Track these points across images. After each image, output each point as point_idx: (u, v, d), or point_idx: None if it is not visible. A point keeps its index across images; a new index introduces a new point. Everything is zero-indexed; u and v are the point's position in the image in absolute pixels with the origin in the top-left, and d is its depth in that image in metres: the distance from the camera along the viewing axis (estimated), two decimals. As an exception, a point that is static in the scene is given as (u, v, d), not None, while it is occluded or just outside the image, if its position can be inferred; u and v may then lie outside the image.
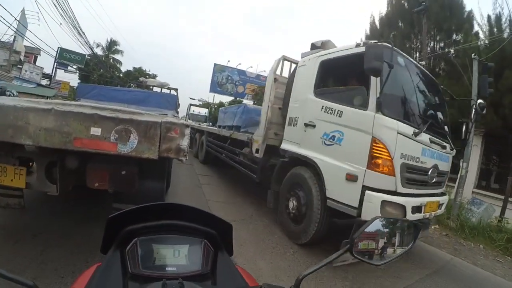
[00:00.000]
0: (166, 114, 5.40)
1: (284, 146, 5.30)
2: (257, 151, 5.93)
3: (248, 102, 35.97)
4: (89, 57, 33.41)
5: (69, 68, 30.23)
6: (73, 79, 34.36)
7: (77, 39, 20.69)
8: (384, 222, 0.93)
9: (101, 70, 36.51)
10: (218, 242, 1.05)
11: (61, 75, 29.73)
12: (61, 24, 31.61)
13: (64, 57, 28.23)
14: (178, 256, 0.97)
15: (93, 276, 0.94)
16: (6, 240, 3.43)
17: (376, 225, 0.90)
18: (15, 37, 22.03)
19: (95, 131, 2.64)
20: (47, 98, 13.57)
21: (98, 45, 39.42)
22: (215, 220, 1.08)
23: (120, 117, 2.70)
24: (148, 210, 1.04)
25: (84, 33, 21.22)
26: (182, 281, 0.71)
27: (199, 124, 17.49)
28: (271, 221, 5.68)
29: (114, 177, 3.01)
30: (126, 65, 43.57)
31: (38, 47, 23.33)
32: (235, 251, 1.18)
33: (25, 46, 25.34)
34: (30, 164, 3.15)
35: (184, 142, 2.78)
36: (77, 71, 33.67)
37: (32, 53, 27.63)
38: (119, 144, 2.66)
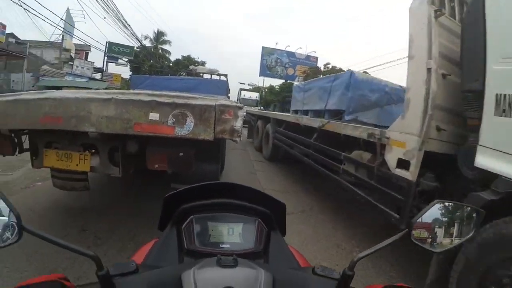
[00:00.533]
0: None
1: (491, 162, 2.39)
2: (401, 163, 3.24)
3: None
4: (138, 49, 35.02)
5: (120, 61, 31.99)
6: (125, 71, 36.37)
7: (123, 31, 21.54)
8: (444, 207, 0.88)
9: (151, 61, 37.98)
10: (271, 222, 1.06)
11: (112, 68, 31.68)
12: (104, 18, 33.23)
13: (113, 51, 29.82)
14: (232, 234, 1.00)
15: (151, 250, 1.02)
16: (75, 220, 3.86)
17: (435, 210, 0.85)
18: (63, 36, 23.58)
19: (154, 116, 2.83)
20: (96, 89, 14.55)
21: (146, 37, 41.15)
22: (269, 200, 1.10)
23: (176, 102, 2.86)
24: (203, 189, 1.08)
25: (129, 25, 22.02)
26: (236, 257, 0.72)
27: (259, 109, 17.36)
28: (334, 214, 5.14)
29: (172, 158, 3.23)
30: (175, 55, 45.05)
31: (88, 44, 24.94)
32: (296, 245, 1.18)
33: (74, 44, 26.96)
34: (93, 150, 3.46)
35: (238, 124, 2.88)
36: (128, 63, 35.56)
37: (83, 50, 29.27)
38: (176, 128, 2.83)
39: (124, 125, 2.87)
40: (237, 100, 32.24)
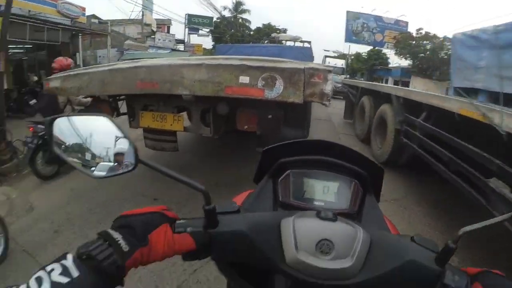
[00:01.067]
0: None
1: None
2: None
3: (388, 51, 33.47)
4: (218, 20, 35.84)
5: (201, 32, 33.31)
6: (207, 42, 37.65)
7: (201, 4, 21.86)
8: None
9: (232, 31, 38.60)
10: (367, 185, 1.03)
11: (194, 39, 33.02)
12: None
13: (193, 22, 31.31)
14: (327, 192, 0.99)
15: (246, 199, 1.03)
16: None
17: None
18: (142, 12, 25.07)
19: (244, 79, 2.95)
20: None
21: (225, 8, 41.93)
22: (367, 162, 1.06)
23: (265, 65, 2.94)
24: (301, 145, 1.08)
25: None
26: (335, 213, 0.72)
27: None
28: (430, 207, 4.46)
29: (261, 120, 3.41)
30: (255, 23, 45.11)
31: (168, 18, 26.06)
32: None
33: (155, 19, 28.52)
34: (186, 112, 3.80)
35: (328, 87, 2.86)
36: (209, 34, 36.78)
37: (164, 24, 30.67)
38: (266, 90, 2.92)
39: (216, 88, 3.05)
40: (322, 67, 31.49)
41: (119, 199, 3.98)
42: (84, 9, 17.59)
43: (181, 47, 28.69)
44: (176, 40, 28.40)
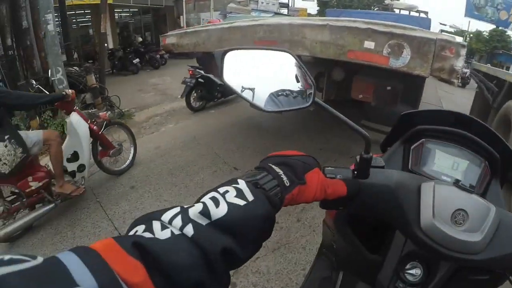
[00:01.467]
0: None
1: None
2: None
3: (513, 33, 29.40)
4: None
5: None
6: (311, 7, 36.35)
7: None
8: None
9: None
10: (497, 168, 0.99)
11: (299, 3, 31.78)
12: None
13: None
14: (456, 169, 0.98)
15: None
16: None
17: None
18: None
19: (369, 44, 2.87)
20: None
21: None
22: (502, 144, 1.01)
23: (393, 32, 2.82)
24: (439, 116, 1.08)
25: None
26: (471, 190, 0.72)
27: None
28: None
29: (379, 90, 3.29)
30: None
31: None
32: None
33: None
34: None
35: (459, 63, 2.67)
36: (315, -2, 35.19)
37: None
38: (391, 58, 2.81)
39: (338, 51, 3.00)
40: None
41: (199, 165, 4.12)
42: None
43: (285, 11, 28.08)
44: (280, 3, 27.78)
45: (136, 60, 11.88)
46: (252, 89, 0.68)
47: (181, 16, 17.76)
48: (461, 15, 31.79)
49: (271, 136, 4.92)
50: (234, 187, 0.48)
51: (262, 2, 24.15)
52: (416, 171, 0.97)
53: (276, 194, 0.53)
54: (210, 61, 4.46)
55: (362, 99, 3.36)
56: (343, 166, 0.73)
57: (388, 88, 3.24)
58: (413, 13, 13.17)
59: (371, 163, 0.70)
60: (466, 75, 15.71)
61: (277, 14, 21.99)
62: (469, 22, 32.40)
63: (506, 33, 29.57)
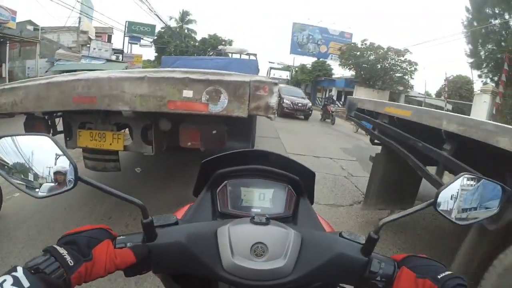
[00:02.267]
0: None
1: None
2: None
3: (332, 62, 34.82)
4: (162, 29, 35.26)
5: (144, 42, 31.76)
6: (150, 53, 36.84)
7: (145, 12, 20.59)
8: (471, 179, 0.88)
9: (177, 41, 38.22)
10: (301, 189, 1.11)
11: (137, 50, 31.58)
12: None
13: (133, 30, 29.50)
14: (263, 199, 1.06)
15: (187, 212, 1.08)
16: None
17: (461, 182, 0.86)
18: (80, 17, 23.19)
19: (187, 93, 2.88)
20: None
21: (171, 18, 41.68)
22: (299, 167, 1.14)
23: (210, 78, 2.89)
24: (238, 156, 1.14)
25: None
26: (268, 217, 0.78)
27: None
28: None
29: (205, 136, 3.31)
30: (201, 34, 45.15)
31: (110, 26, 24.87)
32: None
33: (96, 27, 26.73)
34: (125, 130, 3.63)
35: (273, 100, 2.88)
36: (152, 44, 35.66)
37: (105, 33, 28.87)
38: (210, 104, 2.87)
39: (158, 103, 2.94)
40: (267, 80, 31.98)
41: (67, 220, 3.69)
42: (15, 12, 16.24)
43: (120, 57, 27.60)
44: (114, 50, 27.13)
45: None
46: (25, 176, 0.69)
47: (3, 64, 15.54)
48: (287, 53, 36.47)
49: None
50: (12, 275, 0.49)
51: (94, 48, 23.10)
52: (226, 213, 1.02)
53: (60, 276, 0.54)
54: (34, 125, 3.84)
55: (191, 146, 3.34)
56: (138, 232, 0.75)
57: (214, 132, 3.32)
58: (244, 56, 14.40)
59: (153, 226, 0.73)
60: (307, 107, 18.12)
61: (109, 61, 21.24)
62: (294, 58, 37.23)
63: (326, 63, 34.80)
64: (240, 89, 2.85)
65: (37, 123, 3.77)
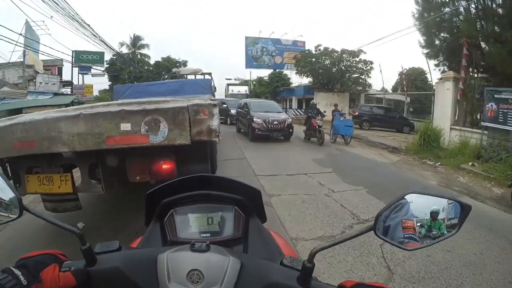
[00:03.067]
0: None
1: None
2: None
3: (289, 72, 35.31)
4: (114, 57, 34.66)
5: (95, 71, 30.97)
6: (103, 82, 36.05)
7: (83, 34, 19.09)
8: (418, 198, 0.77)
9: (131, 68, 37.60)
10: (248, 209, 1.12)
11: (89, 79, 30.58)
12: (52, 17, 26.54)
13: (82, 60, 28.56)
14: (211, 223, 1.08)
15: (138, 246, 1.09)
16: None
17: (406, 202, 0.76)
18: (24, 51, 22.22)
19: (125, 126, 2.79)
20: (65, 106, 14.15)
21: (122, 44, 41.06)
22: (243, 187, 1.16)
23: (146, 108, 2.80)
24: (182, 183, 1.14)
25: (89, 25, 19.49)
26: (210, 243, 0.80)
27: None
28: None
29: (153, 168, 3.19)
30: (154, 57, 44.59)
31: (59, 58, 23.90)
32: None
33: (43, 60, 25.78)
34: (73, 170, 3.43)
35: (214, 122, 2.82)
36: (105, 73, 34.89)
37: (55, 65, 27.87)
38: (150, 135, 2.77)
39: (96, 140, 2.83)
40: (225, 96, 32.11)
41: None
42: None
43: (69, 89, 26.73)
44: (63, 82, 26.19)
45: None
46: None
47: None
48: (243, 67, 36.69)
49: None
50: None
51: (41, 83, 22.19)
52: (176, 241, 1.03)
53: None
54: None
55: (140, 180, 3.23)
56: (80, 258, 0.78)
57: (162, 162, 3.18)
58: (199, 76, 14.40)
59: (92, 252, 0.78)
60: (286, 124, 13.07)
61: (57, 94, 20.36)
62: (250, 72, 37.52)
63: (283, 73, 35.26)
64: (179, 115, 2.78)
65: None
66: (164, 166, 3.20)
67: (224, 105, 20.17)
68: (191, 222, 1.08)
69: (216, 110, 2.85)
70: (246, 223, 1.11)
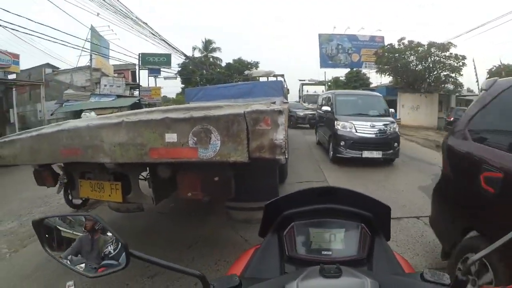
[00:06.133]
0: (275, 102, 5.62)
1: None
2: None
3: (367, 71, 33.65)
4: (186, 60, 36.19)
5: (166, 74, 32.37)
6: (175, 85, 37.73)
7: (139, 32, 19.54)
8: None
9: (203, 71, 38.98)
10: (375, 226, 1.09)
11: (161, 82, 32.42)
12: (98, 14, 28.75)
13: (148, 62, 29.29)
14: (334, 240, 1.05)
15: (252, 257, 1.09)
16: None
17: None
18: (91, 55, 23.60)
19: (170, 137, 2.40)
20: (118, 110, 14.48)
21: (194, 48, 43.09)
22: (372, 203, 1.11)
23: (194, 116, 2.36)
24: (304, 195, 1.13)
25: (146, 23, 20.22)
26: (339, 266, 0.74)
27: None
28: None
29: (206, 184, 2.88)
30: (226, 59, 45.79)
31: (131, 63, 25.19)
32: None
33: (115, 65, 27.42)
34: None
35: (279, 136, 2.23)
36: (177, 76, 36.86)
37: (127, 69, 29.56)
38: (199, 149, 2.34)
39: (139, 152, 2.53)
40: (299, 97, 31.47)
41: None
42: (17, 56, 16.75)
43: (136, 92, 28.06)
44: (129, 84, 27.54)
45: None
46: (74, 255, 0.83)
47: (11, 110, 15.56)
48: (317, 68, 35.81)
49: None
50: None
51: (105, 85, 23.48)
52: (294, 257, 1.04)
53: None
54: (41, 176, 3.77)
55: (192, 197, 2.93)
56: None
57: (216, 179, 2.85)
58: (271, 78, 14.29)
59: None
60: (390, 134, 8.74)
61: (120, 96, 21.40)
62: (325, 72, 36.46)
63: (362, 72, 33.70)
64: (234, 124, 2.27)
65: (44, 174, 3.74)
66: (219, 183, 2.86)
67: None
68: (311, 237, 1.06)
69: (282, 119, 2.25)
70: (371, 242, 1.06)
